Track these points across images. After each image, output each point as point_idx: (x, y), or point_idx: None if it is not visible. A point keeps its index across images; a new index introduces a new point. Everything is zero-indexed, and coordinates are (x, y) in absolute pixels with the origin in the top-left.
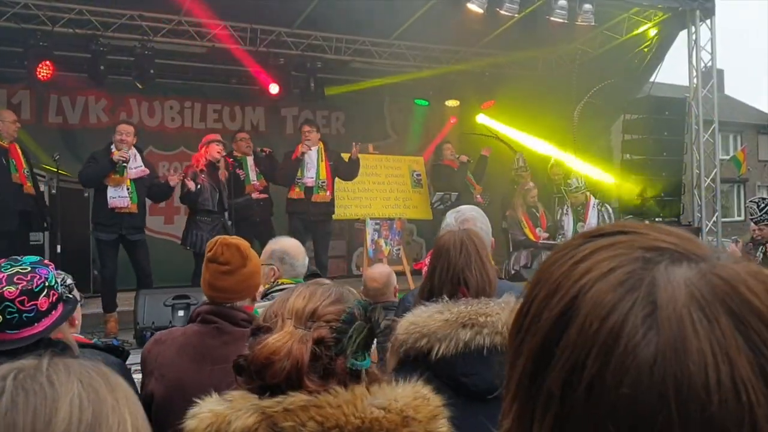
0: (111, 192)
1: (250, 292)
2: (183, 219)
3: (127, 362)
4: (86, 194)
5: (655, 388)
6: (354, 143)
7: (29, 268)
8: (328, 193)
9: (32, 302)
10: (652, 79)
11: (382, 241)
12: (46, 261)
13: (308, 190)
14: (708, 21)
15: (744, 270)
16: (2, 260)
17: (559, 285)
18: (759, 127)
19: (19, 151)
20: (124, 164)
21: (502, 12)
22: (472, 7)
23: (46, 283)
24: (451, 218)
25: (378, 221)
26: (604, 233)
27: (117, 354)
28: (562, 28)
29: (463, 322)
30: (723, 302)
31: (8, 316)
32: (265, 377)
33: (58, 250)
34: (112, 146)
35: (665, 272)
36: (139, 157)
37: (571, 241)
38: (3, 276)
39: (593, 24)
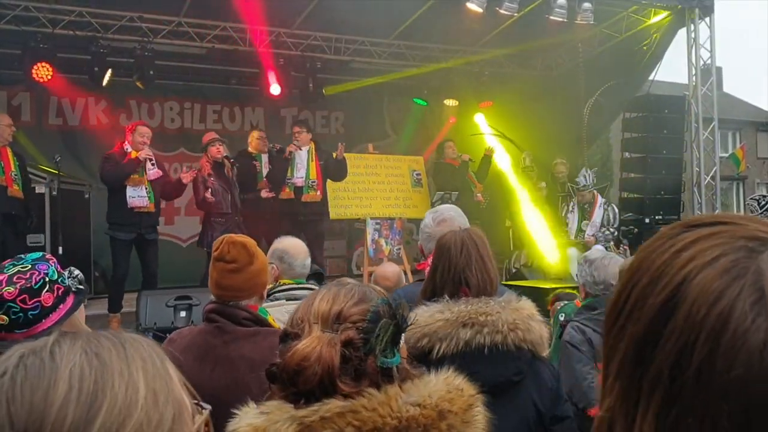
0: (130, 192)
1: (257, 290)
2: (183, 219)
3: None
4: (86, 196)
5: (767, 373)
6: (339, 143)
7: (29, 266)
8: (318, 192)
9: (34, 299)
10: (651, 77)
11: (382, 241)
12: (47, 255)
13: (298, 190)
14: (707, 19)
15: None
16: (6, 261)
17: (662, 272)
18: (758, 125)
19: (10, 154)
20: (152, 161)
21: (502, 11)
22: (472, 6)
23: (47, 278)
24: (429, 218)
25: (378, 221)
26: (703, 223)
27: None
28: (562, 27)
29: (463, 321)
30: None
31: (13, 317)
32: (297, 384)
33: (60, 251)
34: (126, 147)
35: None
36: (154, 159)
37: (668, 231)
38: (4, 277)
39: (592, 23)
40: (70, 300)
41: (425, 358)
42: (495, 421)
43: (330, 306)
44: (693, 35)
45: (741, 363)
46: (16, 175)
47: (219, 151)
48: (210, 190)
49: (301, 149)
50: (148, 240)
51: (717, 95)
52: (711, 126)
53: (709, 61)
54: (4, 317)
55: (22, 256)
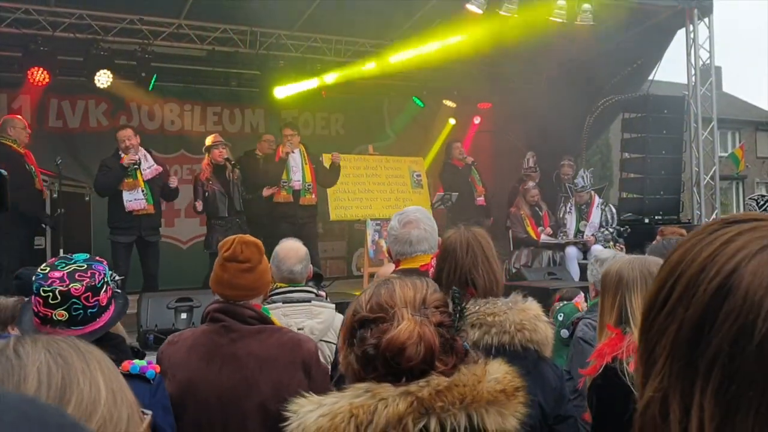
0: (126, 196)
1: (264, 288)
2: (183, 221)
3: None
4: (87, 198)
5: None
6: (334, 153)
7: (85, 265)
8: (313, 196)
9: (95, 298)
10: (650, 78)
11: (382, 242)
12: (98, 257)
13: (296, 194)
14: (706, 19)
15: None
16: (52, 259)
17: (712, 261)
18: (757, 124)
19: (33, 157)
20: (136, 167)
21: (501, 12)
22: (471, 8)
23: (105, 279)
24: (395, 221)
25: (378, 222)
26: (741, 220)
27: (136, 356)
28: (561, 27)
29: (471, 322)
30: None
31: (74, 313)
32: (400, 362)
33: (61, 252)
34: (120, 152)
35: None
36: (150, 157)
37: (708, 227)
38: (63, 273)
39: (592, 23)
40: (113, 302)
41: None
42: None
43: (414, 293)
44: (692, 35)
45: None
46: (45, 179)
47: (221, 154)
48: (206, 194)
49: (293, 152)
50: (148, 242)
51: (716, 95)
52: (710, 126)
53: (708, 61)
54: (65, 313)
55: (69, 256)
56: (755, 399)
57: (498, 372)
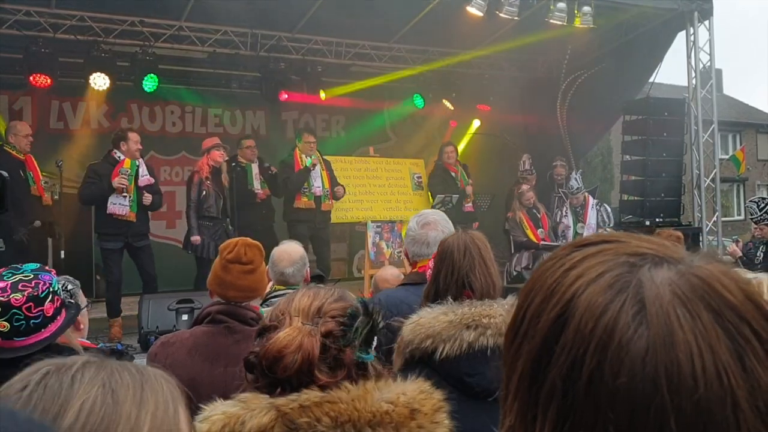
0: (112, 199)
1: (263, 289)
2: (185, 223)
3: None
4: None
5: (649, 377)
6: (337, 187)
7: (32, 275)
8: (330, 201)
9: (39, 308)
10: (651, 80)
11: (383, 244)
12: (47, 267)
13: (317, 200)
14: (706, 22)
15: (717, 269)
16: (2, 269)
17: (553, 290)
18: (758, 127)
19: (35, 162)
20: (130, 175)
21: (502, 15)
22: (472, 10)
23: (51, 289)
24: (413, 222)
25: (379, 224)
26: (590, 243)
27: (121, 359)
28: (562, 30)
29: (467, 323)
30: (702, 298)
31: (16, 324)
32: (276, 371)
33: (62, 255)
34: (117, 155)
35: (649, 274)
36: (145, 167)
37: (559, 252)
38: (7, 284)
39: (592, 26)
40: (64, 313)
41: (429, 359)
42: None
43: (311, 301)
44: (692, 38)
45: (626, 370)
46: (45, 183)
47: (222, 155)
48: (204, 192)
49: (315, 161)
50: (137, 247)
51: (717, 97)
52: (711, 128)
53: (708, 64)
54: (6, 324)
55: (18, 266)
56: None
57: (393, 392)
